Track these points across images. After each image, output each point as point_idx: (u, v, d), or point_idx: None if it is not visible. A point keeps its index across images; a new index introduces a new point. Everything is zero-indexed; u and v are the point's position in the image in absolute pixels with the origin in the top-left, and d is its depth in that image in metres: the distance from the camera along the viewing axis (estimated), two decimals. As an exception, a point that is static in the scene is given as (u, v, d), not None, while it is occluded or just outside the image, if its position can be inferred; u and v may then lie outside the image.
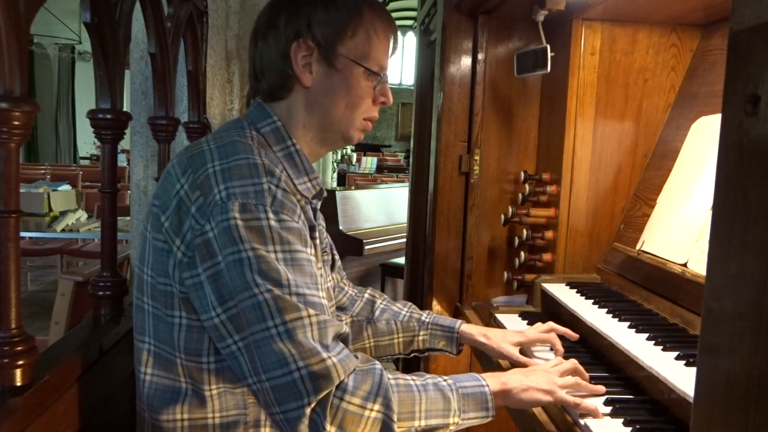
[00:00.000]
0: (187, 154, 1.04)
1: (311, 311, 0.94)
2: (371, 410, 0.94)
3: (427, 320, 1.42)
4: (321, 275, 1.11)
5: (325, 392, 0.91)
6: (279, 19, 1.09)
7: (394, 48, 1.17)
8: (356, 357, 0.98)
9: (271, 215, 0.95)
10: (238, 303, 0.94)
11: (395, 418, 0.95)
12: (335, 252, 1.38)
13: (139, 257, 1.06)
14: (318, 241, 1.11)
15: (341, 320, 1.42)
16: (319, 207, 1.20)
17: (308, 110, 1.12)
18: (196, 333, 1.01)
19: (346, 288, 1.45)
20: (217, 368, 1.01)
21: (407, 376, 1.02)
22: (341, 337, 0.99)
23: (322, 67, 1.09)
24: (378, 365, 0.98)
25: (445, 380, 1.03)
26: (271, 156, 1.05)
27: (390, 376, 0.98)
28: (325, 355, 0.92)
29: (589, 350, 1.36)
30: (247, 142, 1.03)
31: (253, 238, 0.93)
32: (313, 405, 0.91)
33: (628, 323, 1.31)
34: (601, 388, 1.11)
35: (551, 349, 1.34)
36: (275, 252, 0.95)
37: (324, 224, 1.29)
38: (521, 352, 1.33)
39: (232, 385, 1.02)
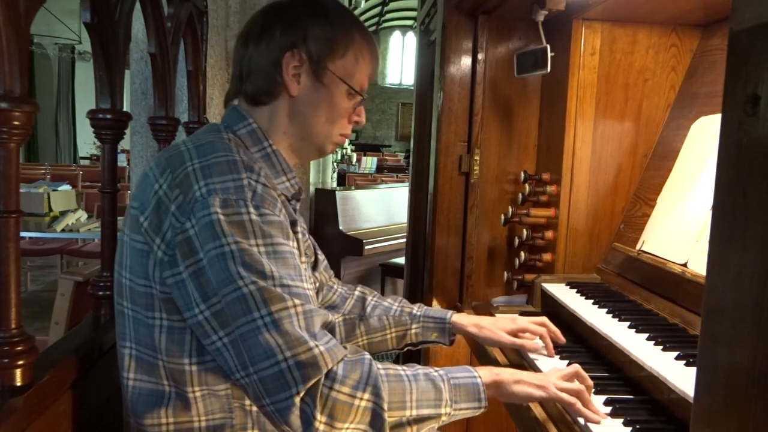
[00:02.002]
0: (164, 155, 1.05)
1: (297, 301, 0.95)
2: (361, 399, 0.94)
3: (419, 313, 1.42)
4: (305, 269, 1.11)
5: (314, 381, 0.92)
6: (275, 27, 1.11)
7: (375, 73, 1.23)
8: (345, 347, 0.99)
9: (252, 209, 0.96)
10: (222, 298, 0.94)
11: (386, 407, 0.95)
12: (319, 252, 1.37)
13: (118, 261, 1.06)
14: (300, 236, 1.12)
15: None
16: (298, 208, 1.20)
17: (290, 118, 1.14)
18: (176, 334, 1.00)
19: (335, 286, 1.44)
20: (199, 369, 1.01)
21: (397, 366, 1.02)
22: (328, 326, 0.99)
23: (310, 79, 1.12)
24: (367, 356, 0.99)
25: (436, 371, 1.03)
26: (249, 155, 1.06)
27: (380, 366, 0.98)
28: (312, 343, 0.93)
29: (589, 350, 1.36)
30: (224, 141, 1.05)
31: (235, 231, 0.94)
32: (302, 394, 0.91)
33: (628, 323, 1.31)
34: (599, 418, 1.03)
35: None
36: (257, 245, 0.95)
37: (305, 227, 1.28)
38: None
39: (215, 387, 1.02)
